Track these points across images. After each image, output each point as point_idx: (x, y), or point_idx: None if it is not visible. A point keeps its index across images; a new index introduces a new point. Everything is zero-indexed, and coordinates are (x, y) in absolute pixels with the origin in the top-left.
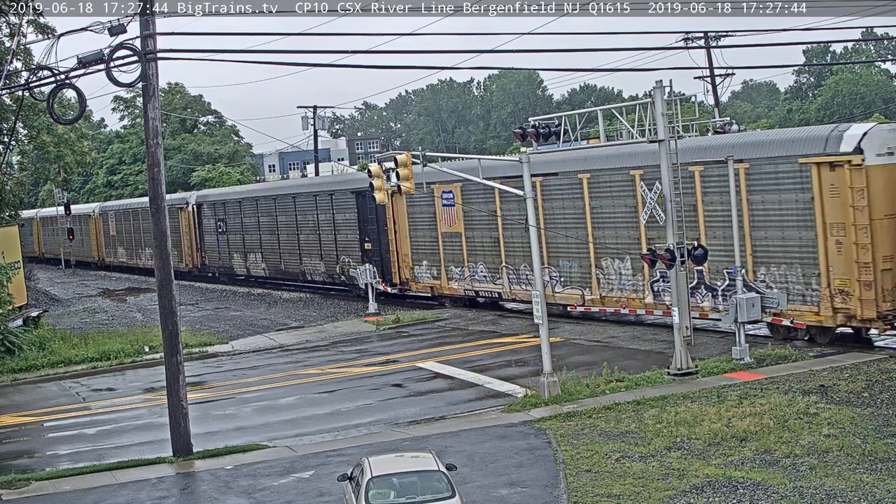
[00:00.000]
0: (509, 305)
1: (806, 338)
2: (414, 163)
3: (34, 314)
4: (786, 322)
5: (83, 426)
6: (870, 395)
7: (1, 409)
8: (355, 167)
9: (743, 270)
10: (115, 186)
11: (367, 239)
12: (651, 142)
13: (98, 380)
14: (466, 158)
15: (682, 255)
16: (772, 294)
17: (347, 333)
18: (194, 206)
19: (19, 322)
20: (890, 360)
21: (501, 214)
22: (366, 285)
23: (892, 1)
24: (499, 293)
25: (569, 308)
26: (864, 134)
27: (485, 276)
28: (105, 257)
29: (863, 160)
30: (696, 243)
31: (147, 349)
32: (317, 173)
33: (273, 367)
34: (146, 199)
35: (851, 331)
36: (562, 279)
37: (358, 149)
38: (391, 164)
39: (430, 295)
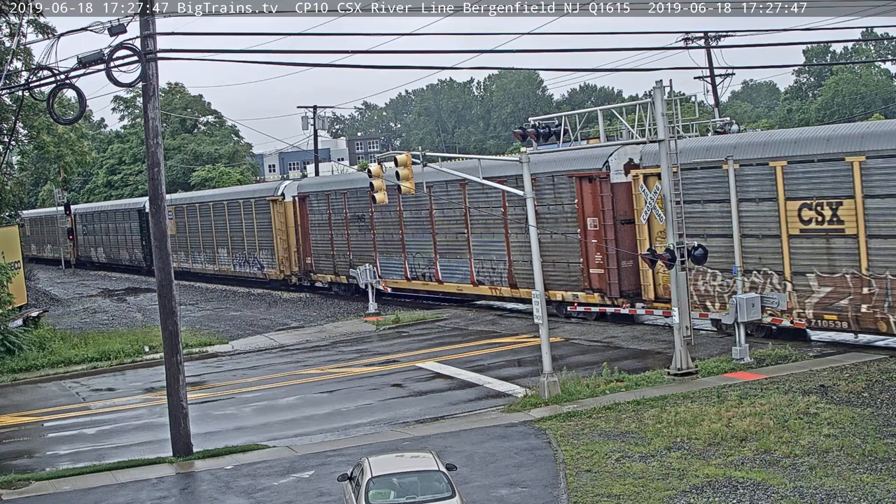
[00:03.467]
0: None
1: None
2: (414, 163)
3: (34, 314)
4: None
5: (83, 426)
6: (870, 395)
7: (1, 409)
8: (355, 167)
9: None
10: (115, 186)
11: (144, 240)
12: (651, 142)
13: (98, 380)
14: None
15: (682, 255)
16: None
17: (347, 333)
18: (74, 215)
19: (19, 322)
20: (890, 360)
21: (188, 225)
22: (366, 285)
23: (892, 1)
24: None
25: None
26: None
27: (196, 260)
28: (25, 252)
29: (284, 198)
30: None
31: (147, 349)
32: (317, 173)
33: (273, 367)
34: (47, 209)
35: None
36: (218, 260)
37: (358, 149)
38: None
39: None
